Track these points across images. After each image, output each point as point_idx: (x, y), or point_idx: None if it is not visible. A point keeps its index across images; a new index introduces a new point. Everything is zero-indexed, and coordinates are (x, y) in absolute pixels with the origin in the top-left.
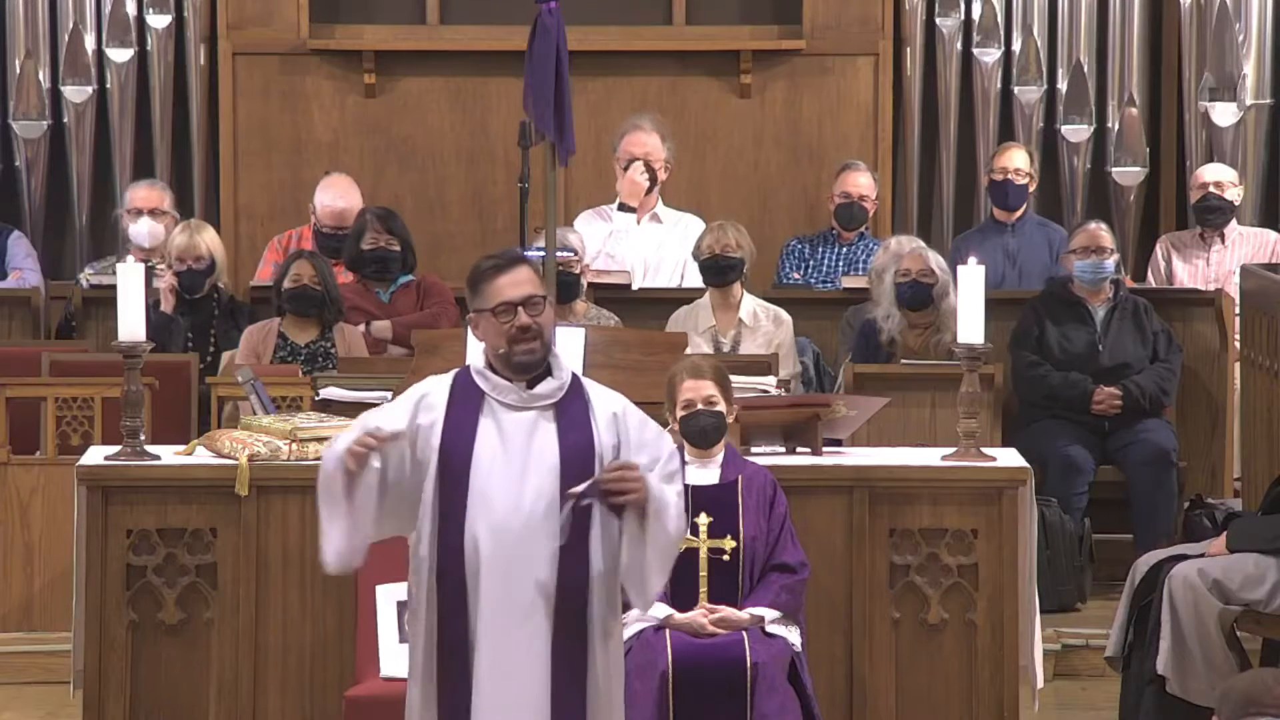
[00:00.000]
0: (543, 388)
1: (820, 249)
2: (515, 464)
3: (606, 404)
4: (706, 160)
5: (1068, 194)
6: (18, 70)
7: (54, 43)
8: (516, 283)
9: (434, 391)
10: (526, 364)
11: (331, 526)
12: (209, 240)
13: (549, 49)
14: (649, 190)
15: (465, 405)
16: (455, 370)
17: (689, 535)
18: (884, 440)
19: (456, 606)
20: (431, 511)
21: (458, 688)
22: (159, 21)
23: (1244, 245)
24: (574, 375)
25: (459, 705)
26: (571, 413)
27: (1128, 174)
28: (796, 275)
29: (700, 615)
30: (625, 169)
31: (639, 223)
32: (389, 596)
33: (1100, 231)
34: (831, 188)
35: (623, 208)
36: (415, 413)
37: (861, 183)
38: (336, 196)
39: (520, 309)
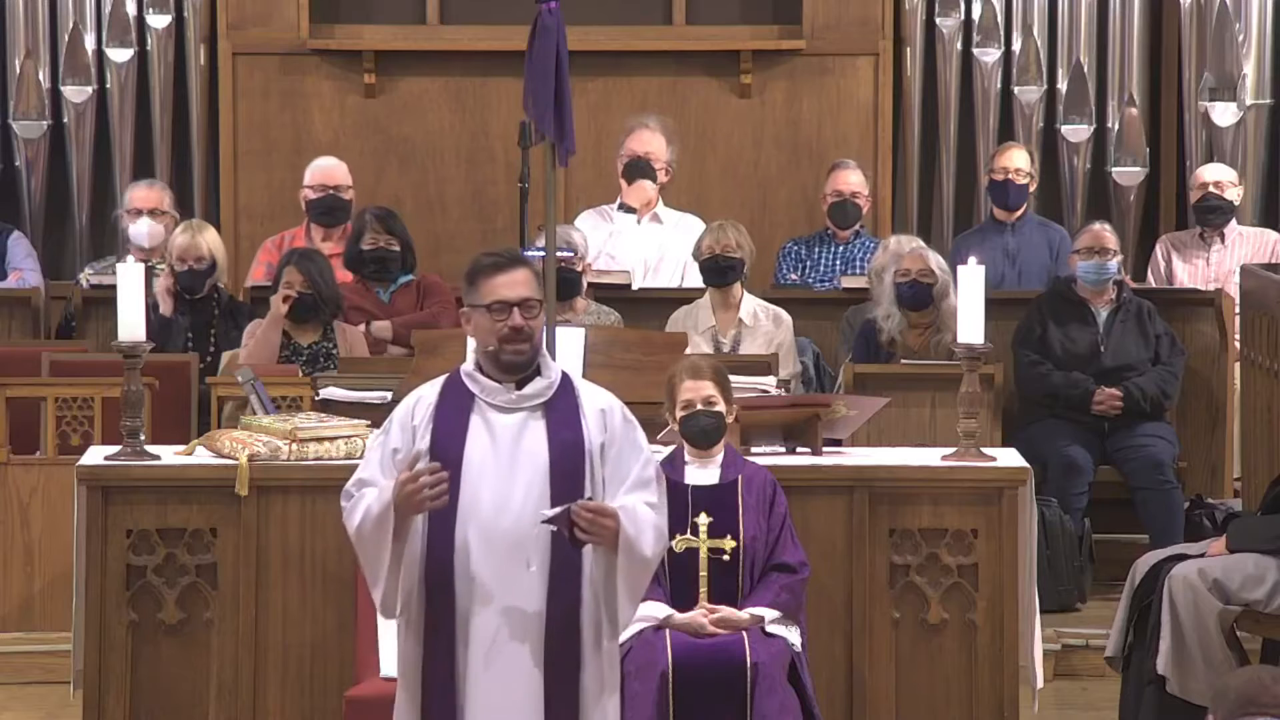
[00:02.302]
0: (532, 388)
1: (817, 249)
2: (505, 465)
3: (595, 400)
4: (706, 160)
5: (1068, 194)
6: (18, 70)
7: (54, 43)
8: (514, 283)
9: (421, 400)
10: (514, 364)
11: (383, 571)
12: (210, 240)
13: (549, 49)
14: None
15: (455, 408)
16: (444, 375)
17: (689, 535)
18: (884, 440)
19: (445, 608)
20: (422, 514)
21: (445, 689)
22: (159, 21)
23: (1244, 245)
24: (563, 374)
25: (447, 706)
26: (561, 411)
27: (1128, 174)
28: (794, 277)
29: (700, 615)
30: (625, 167)
31: (639, 222)
32: None
33: (1104, 232)
34: (823, 187)
35: (624, 208)
36: (412, 435)
37: (852, 180)
38: (325, 160)
39: (515, 310)
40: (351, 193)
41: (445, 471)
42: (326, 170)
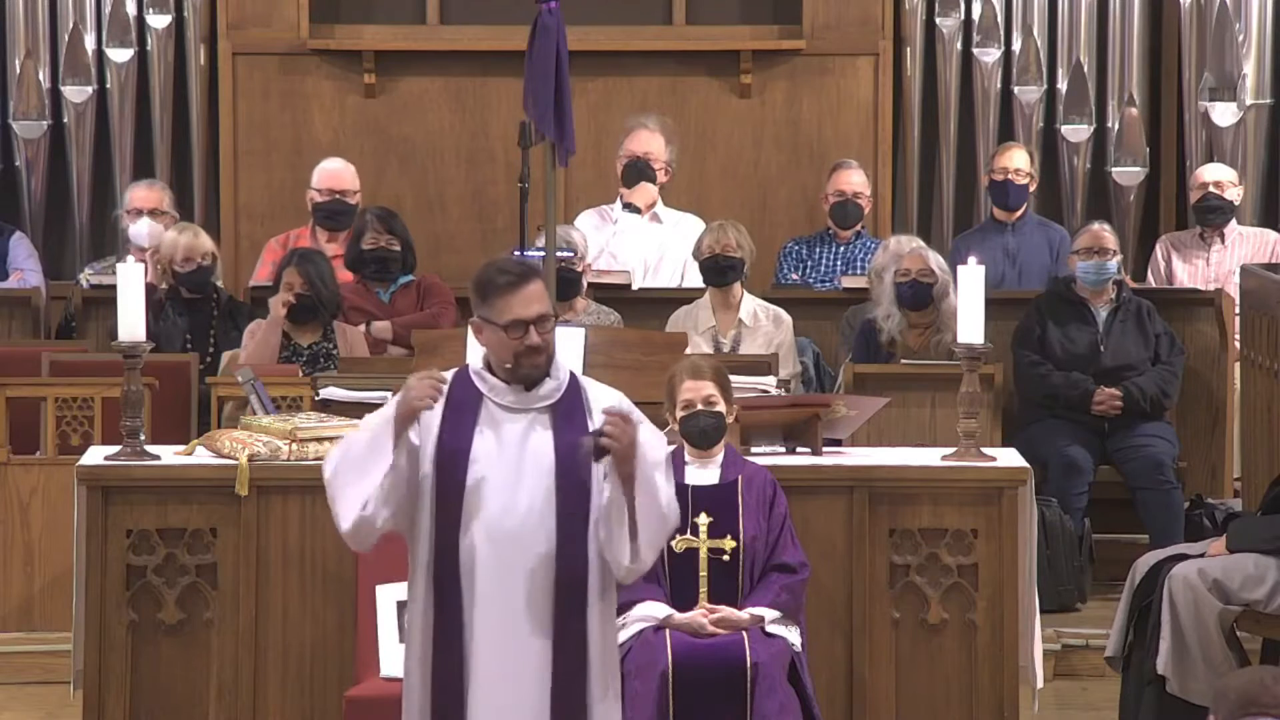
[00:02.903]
0: (540, 390)
1: (818, 249)
2: (510, 466)
3: (604, 401)
4: (706, 160)
5: (1068, 194)
6: (18, 70)
7: (54, 43)
8: (529, 301)
9: None
10: (531, 378)
11: (361, 484)
12: (206, 240)
13: (549, 49)
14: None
15: (462, 407)
16: (453, 370)
17: (689, 535)
18: (884, 440)
19: (452, 607)
20: (429, 513)
21: (453, 689)
22: (159, 21)
23: (1244, 245)
24: (572, 374)
25: (454, 706)
26: (569, 413)
27: (1128, 174)
28: (795, 276)
29: (700, 615)
30: (624, 169)
31: (643, 219)
32: (389, 596)
33: (1104, 232)
34: (825, 187)
35: (630, 207)
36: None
37: (854, 180)
38: (333, 163)
39: (532, 328)
40: (358, 197)
41: (443, 376)
42: (334, 174)
